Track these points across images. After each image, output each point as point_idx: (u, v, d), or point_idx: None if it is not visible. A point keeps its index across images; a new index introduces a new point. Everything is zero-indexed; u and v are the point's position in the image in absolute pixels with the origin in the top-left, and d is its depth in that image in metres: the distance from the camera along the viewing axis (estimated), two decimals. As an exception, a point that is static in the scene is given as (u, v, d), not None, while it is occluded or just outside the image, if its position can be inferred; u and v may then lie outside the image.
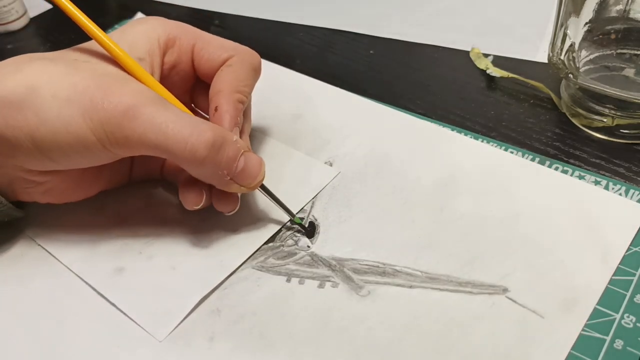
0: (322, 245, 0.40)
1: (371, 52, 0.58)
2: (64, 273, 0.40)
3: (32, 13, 0.67)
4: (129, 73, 0.38)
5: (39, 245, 0.42)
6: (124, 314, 0.37)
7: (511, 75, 0.52)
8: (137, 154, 0.37)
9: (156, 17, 0.42)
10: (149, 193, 0.44)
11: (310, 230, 0.41)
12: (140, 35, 0.40)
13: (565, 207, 0.41)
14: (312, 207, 0.43)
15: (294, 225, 0.41)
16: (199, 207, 0.39)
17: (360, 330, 0.36)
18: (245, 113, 0.42)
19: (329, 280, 0.38)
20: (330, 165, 0.45)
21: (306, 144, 0.47)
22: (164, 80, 0.42)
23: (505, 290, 0.37)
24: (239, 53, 0.42)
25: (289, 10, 0.64)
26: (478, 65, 0.54)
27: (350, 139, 0.47)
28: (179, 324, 0.37)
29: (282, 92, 0.52)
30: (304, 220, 0.42)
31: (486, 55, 0.55)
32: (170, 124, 0.35)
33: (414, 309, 0.36)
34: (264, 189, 0.40)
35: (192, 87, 0.44)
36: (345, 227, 0.41)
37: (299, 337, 0.36)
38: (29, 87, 0.35)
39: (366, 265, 0.39)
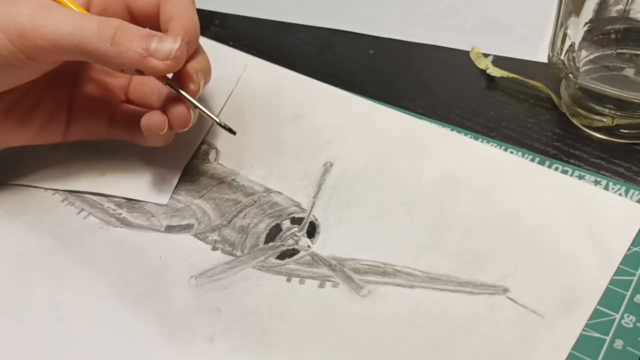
0: (322, 245, 0.40)
1: (371, 52, 0.58)
2: (65, 272, 0.40)
3: (32, 13, 0.67)
4: None
5: (15, 184, 0.45)
6: (126, 198, 0.43)
7: (511, 75, 0.52)
8: (53, 57, 0.38)
9: None
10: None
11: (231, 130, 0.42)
12: None
13: (566, 207, 0.41)
14: (312, 207, 0.43)
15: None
16: (163, 131, 0.40)
17: (360, 330, 0.36)
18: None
19: (329, 280, 0.38)
20: (331, 165, 0.45)
21: (306, 144, 0.47)
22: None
23: (505, 290, 0.37)
24: None
25: (289, 10, 0.64)
26: (478, 65, 0.54)
27: (350, 139, 0.47)
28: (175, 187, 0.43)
29: (283, 92, 0.52)
30: (304, 221, 0.42)
31: (486, 55, 0.55)
32: (82, 15, 0.37)
33: (415, 309, 0.36)
34: (171, 86, 0.40)
35: None
36: (346, 227, 0.41)
37: (299, 337, 0.36)
38: None
39: (366, 265, 0.39)
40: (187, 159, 0.45)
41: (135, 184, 0.45)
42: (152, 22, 0.42)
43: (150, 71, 0.38)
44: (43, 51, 0.37)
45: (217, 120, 0.41)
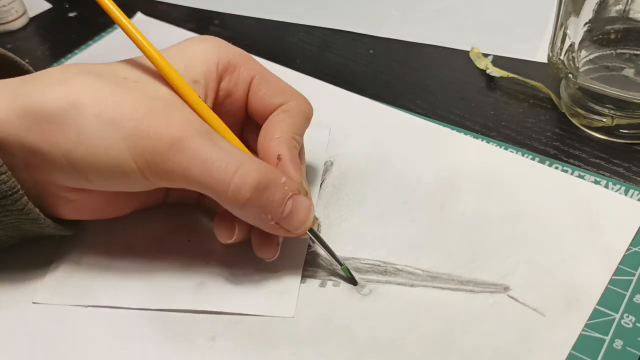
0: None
1: (371, 52, 0.58)
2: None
3: (32, 13, 0.67)
4: (180, 97, 0.36)
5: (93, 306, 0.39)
6: (248, 315, 0.37)
7: (511, 75, 0.52)
8: (178, 186, 0.35)
9: (217, 39, 0.40)
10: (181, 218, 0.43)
11: (353, 280, 0.38)
12: (198, 55, 0.38)
13: (566, 206, 0.41)
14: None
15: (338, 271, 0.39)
16: (231, 241, 0.37)
17: (361, 329, 0.36)
18: (300, 154, 0.41)
19: (330, 279, 0.38)
20: (331, 164, 0.45)
21: (307, 143, 0.47)
22: (217, 107, 0.39)
23: (506, 288, 0.37)
24: (296, 99, 0.40)
25: (289, 10, 0.64)
26: (478, 65, 0.54)
27: (351, 139, 0.47)
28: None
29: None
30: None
31: (486, 55, 0.55)
32: (216, 160, 0.33)
33: (416, 308, 0.36)
34: (313, 234, 0.38)
35: (243, 121, 0.42)
36: (347, 226, 0.41)
37: (300, 336, 0.36)
38: (72, 103, 0.33)
39: (367, 264, 0.39)
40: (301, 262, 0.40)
41: (246, 296, 0.38)
42: (259, 119, 0.40)
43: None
44: (168, 183, 0.35)
45: (343, 266, 0.38)
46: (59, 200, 0.37)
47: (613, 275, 0.37)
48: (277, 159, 0.37)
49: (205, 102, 0.37)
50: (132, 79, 0.36)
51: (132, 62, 0.38)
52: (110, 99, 0.34)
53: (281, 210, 0.35)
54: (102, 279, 0.39)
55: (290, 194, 0.35)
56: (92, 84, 0.34)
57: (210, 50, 0.39)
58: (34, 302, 0.38)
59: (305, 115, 0.40)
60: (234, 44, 0.58)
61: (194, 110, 0.36)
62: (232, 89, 0.40)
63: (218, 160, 0.33)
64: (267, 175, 0.34)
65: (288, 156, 0.37)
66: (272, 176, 0.35)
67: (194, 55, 0.38)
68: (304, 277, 0.38)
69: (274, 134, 0.38)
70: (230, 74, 0.39)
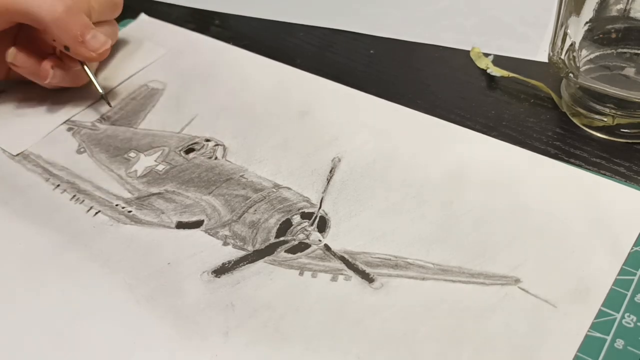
0: (333, 239, 0.40)
1: (371, 51, 0.59)
2: (76, 270, 0.40)
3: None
4: None
5: None
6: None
7: (511, 74, 0.52)
8: (4, 19, 0.46)
9: None
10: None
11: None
12: None
13: (574, 198, 0.41)
14: (322, 201, 0.43)
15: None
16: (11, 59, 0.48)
17: (374, 323, 0.36)
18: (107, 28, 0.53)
19: (341, 274, 0.39)
20: (339, 160, 0.46)
21: (314, 140, 0.47)
22: None
23: (517, 280, 0.37)
24: None
25: (289, 10, 0.64)
26: (478, 65, 0.55)
27: (358, 135, 0.47)
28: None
29: (289, 89, 0.52)
30: (314, 215, 0.42)
31: (486, 55, 0.55)
32: None
33: (427, 301, 0.37)
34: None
35: None
36: (356, 221, 0.41)
37: (313, 330, 0.36)
38: None
39: (378, 258, 0.39)
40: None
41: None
42: None
43: (76, 53, 0.48)
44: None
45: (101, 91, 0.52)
46: None
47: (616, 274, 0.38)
48: None
49: None
50: None
51: None
52: None
53: (88, 33, 0.47)
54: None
55: (93, 27, 0.48)
56: None
57: None
58: None
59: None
60: (234, 44, 0.59)
61: None
62: None
63: None
64: (77, 5, 0.47)
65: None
66: (79, 5, 0.47)
67: None
68: (315, 271, 0.39)
69: None
70: None
